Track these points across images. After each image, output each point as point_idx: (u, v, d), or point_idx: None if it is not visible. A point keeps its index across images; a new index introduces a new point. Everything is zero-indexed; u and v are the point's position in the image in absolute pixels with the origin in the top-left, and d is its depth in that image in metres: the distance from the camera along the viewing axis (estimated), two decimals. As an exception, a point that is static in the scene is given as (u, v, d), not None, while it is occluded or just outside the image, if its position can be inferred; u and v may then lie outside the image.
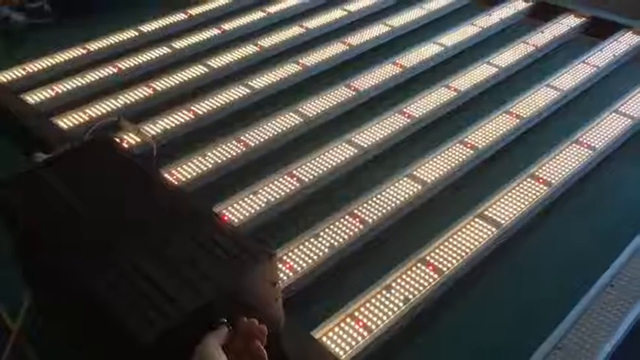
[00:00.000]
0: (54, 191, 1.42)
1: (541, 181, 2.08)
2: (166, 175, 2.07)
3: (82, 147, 1.66)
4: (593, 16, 3.10)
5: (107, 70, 2.75)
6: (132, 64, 2.82)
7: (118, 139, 2.21)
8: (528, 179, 2.08)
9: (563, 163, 2.16)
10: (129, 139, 2.27)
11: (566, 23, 3.09)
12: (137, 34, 3.10)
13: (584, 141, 2.26)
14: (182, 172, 2.14)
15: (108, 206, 1.40)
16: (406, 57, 2.82)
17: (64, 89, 2.61)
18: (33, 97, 2.53)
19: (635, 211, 2.02)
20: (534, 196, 2.01)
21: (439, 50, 2.89)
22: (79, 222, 1.35)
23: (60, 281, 1.33)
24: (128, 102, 2.53)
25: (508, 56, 2.82)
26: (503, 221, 1.92)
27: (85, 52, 2.92)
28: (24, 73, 2.73)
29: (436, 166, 2.15)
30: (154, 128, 2.35)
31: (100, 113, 2.44)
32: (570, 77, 2.65)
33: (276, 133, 2.35)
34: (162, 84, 2.65)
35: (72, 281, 1.26)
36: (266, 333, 1.14)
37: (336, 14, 3.26)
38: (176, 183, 2.07)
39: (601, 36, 2.97)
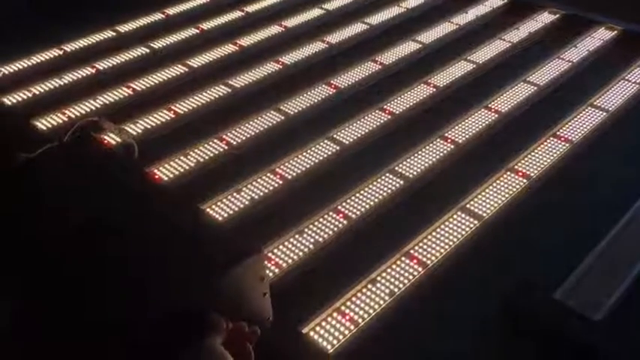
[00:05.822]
0: (38, 192, 1.41)
1: (520, 174, 2.11)
2: (149, 175, 2.06)
3: (63, 147, 1.65)
4: (565, 13, 3.16)
5: (85, 71, 2.73)
6: (110, 64, 2.80)
7: (98, 140, 2.19)
8: (508, 172, 2.12)
9: (542, 156, 2.20)
10: (109, 139, 2.26)
11: (541, 20, 3.14)
12: (114, 34, 3.07)
13: (562, 134, 2.30)
14: (164, 172, 2.14)
15: (92, 208, 1.39)
16: (385, 55, 2.85)
17: (42, 90, 2.58)
18: (10, 99, 2.50)
19: (613, 200, 2.07)
20: (514, 189, 2.05)
21: (417, 47, 2.92)
22: (67, 225, 1.34)
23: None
24: (107, 102, 2.51)
25: (485, 53, 2.86)
26: (484, 214, 1.95)
27: (61, 52, 2.89)
28: None
29: (419, 160, 2.18)
30: (134, 128, 2.34)
31: (79, 114, 2.42)
32: (546, 73, 2.70)
33: (257, 131, 2.35)
34: (142, 84, 2.64)
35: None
36: (258, 335, 1.11)
37: (314, 12, 3.27)
38: (159, 182, 2.06)
39: (573, 32, 3.02)
